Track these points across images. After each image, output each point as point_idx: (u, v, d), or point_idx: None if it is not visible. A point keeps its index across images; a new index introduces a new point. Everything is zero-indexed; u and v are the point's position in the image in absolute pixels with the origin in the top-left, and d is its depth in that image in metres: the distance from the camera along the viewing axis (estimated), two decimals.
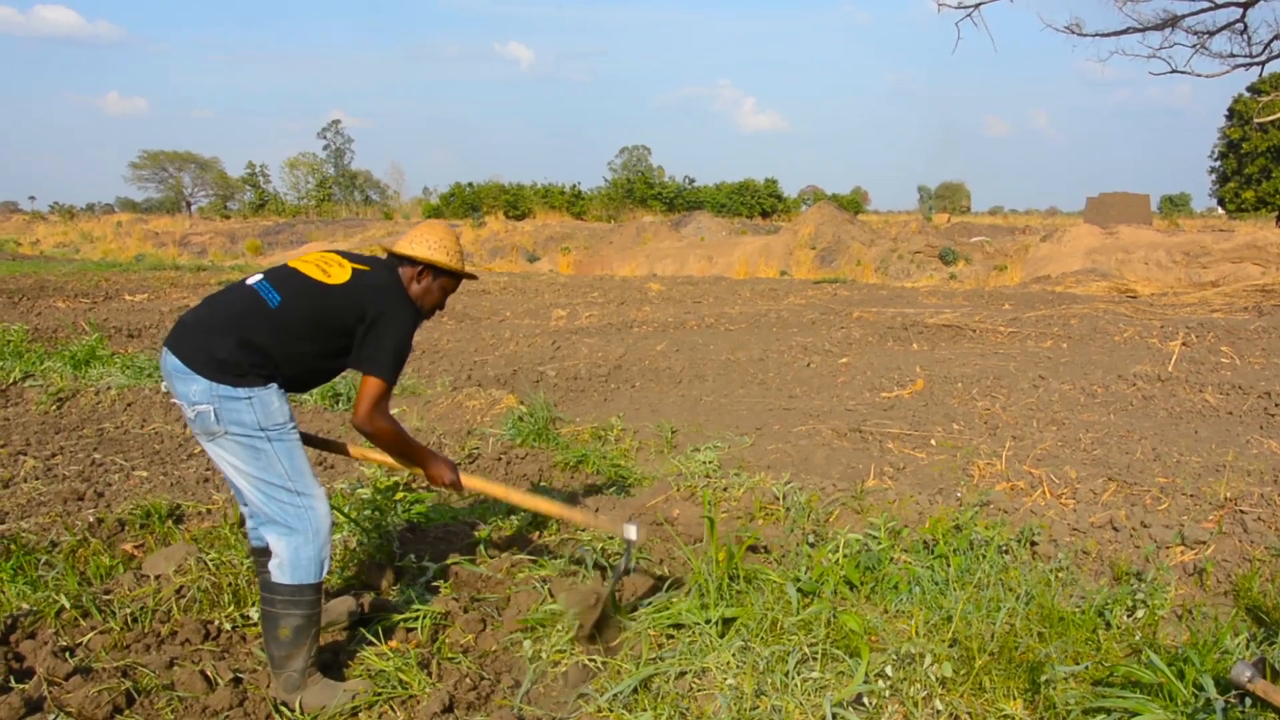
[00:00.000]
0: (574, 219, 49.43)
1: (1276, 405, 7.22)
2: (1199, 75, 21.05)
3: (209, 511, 5.16)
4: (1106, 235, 25.72)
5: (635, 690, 3.34)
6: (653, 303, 16.99)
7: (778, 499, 5.30)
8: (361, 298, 3.45)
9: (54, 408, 7.86)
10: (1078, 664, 3.35)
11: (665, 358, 10.99)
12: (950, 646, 3.48)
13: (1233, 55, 20.12)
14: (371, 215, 57.07)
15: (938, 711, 3.15)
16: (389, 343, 3.46)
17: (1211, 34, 19.89)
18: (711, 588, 3.88)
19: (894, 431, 6.84)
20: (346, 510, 4.72)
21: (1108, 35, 20.59)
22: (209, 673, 3.56)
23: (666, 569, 4.40)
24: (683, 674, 3.40)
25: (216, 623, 3.95)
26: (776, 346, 11.47)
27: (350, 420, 3.54)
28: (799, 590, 3.90)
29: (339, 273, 3.49)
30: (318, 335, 3.41)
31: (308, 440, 3.66)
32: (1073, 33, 20.80)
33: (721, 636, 3.60)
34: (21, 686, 3.35)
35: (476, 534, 4.85)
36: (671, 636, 3.70)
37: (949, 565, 4.22)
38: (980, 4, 20.24)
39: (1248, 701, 2.86)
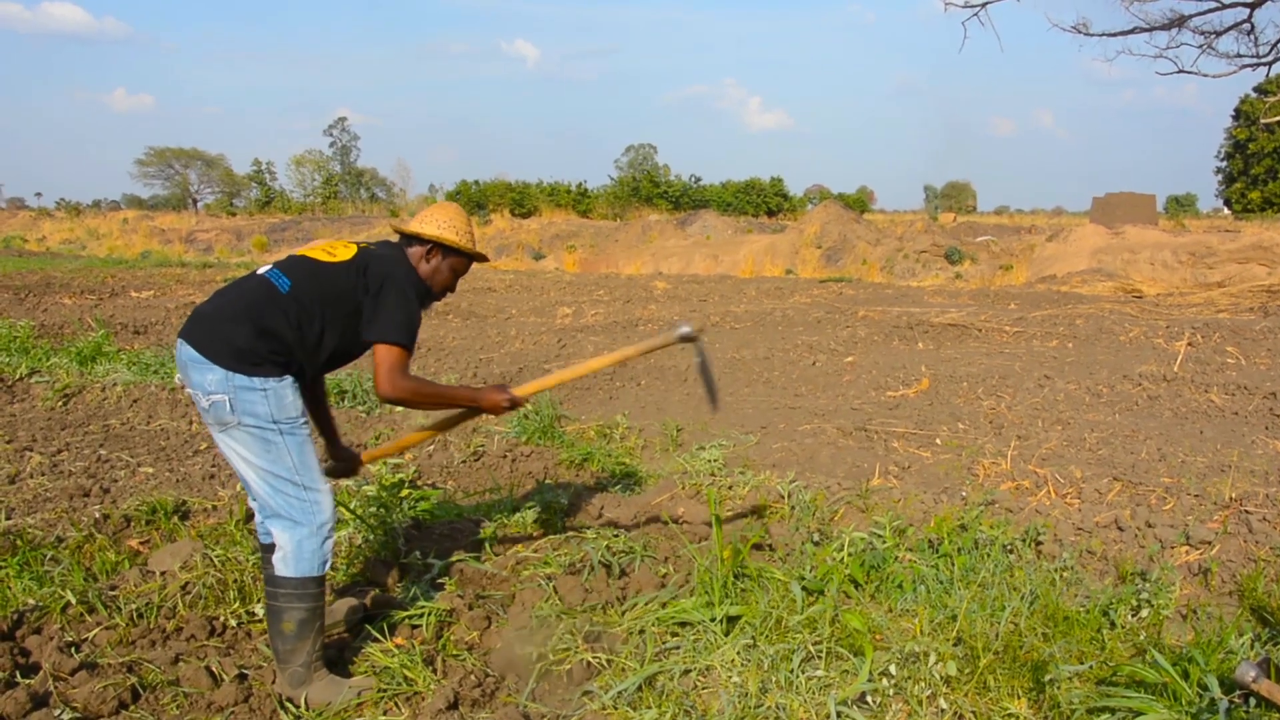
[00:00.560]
0: (580, 217, 49.43)
1: None
2: (1205, 75, 21.06)
3: (215, 508, 5.17)
4: (1112, 235, 25.65)
5: (640, 688, 3.35)
6: (658, 301, 16.98)
7: (783, 497, 5.31)
8: (365, 269, 3.48)
9: (60, 404, 7.88)
10: (1082, 663, 3.35)
11: (670, 356, 10.98)
12: (955, 645, 3.48)
13: (1239, 55, 20.10)
14: (378, 212, 57.03)
15: (942, 710, 3.15)
16: (396, 309, 3.46)
17: (1218, 34, 19.88)
18: (716, 586, 3.88)
19: (899, 430, 6.83)
20: (352, 507, 4.73)
21: (1114, 35, 20.60)
22: (214, 669, 3.57)
23: (671, 567, 4.40)
24: (687, 672, 3.40)
25: (222, 619, 3.96)
26: (782, 345, 11.46)
27: (376, 394, 3.51)
28: (804, 588, 3.90)
29: (344, 252, 3.54)
30: (329, 313, 3.42)
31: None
32: (1079, 32, 20.82)
33: (726, 634, 3.60)
34: (27, 682, 3.36)
35: (481, 532, 4.86)
36: (676, 634, 3.71)
37: (954, 564, 4.22)
38: (986, 3, 20.26)
39: (1252, 701, 2.86)
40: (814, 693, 3.19)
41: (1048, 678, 3.22)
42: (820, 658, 3.39)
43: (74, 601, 3.92)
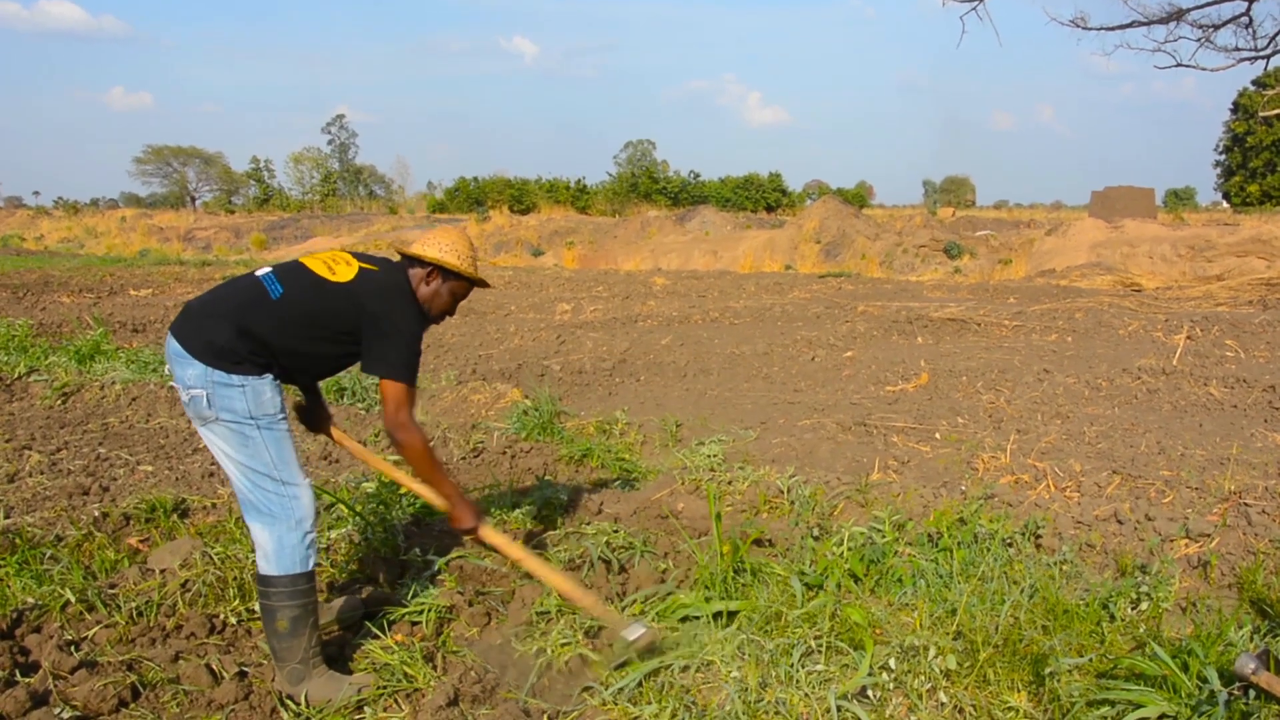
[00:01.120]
0: (579, 213, 49.39)
1: None
2: (1204, 69, 20.98)
3: (214, 506, 5.17)
4: (1111, 229, 25.66)
5: (640, 683, 3.35)
6: (657, 297, 16.98)
7: (782, 492, 5.31)
8: (363, 298, 3.47)
9: (59, 402, 7.87)
10: (1082, 656, 3.35)
11: (670, 352, 10.98)
12: (954, 639, 3.48)
13: (1238, 49, 20.06)
14: (376, 210, 57.00)
15: (942, 704, 3.15)
16: (397, 343, 3.48)
17: (1217, 27, 19.85)
18: (716, 581, 3.88)
19: (899, 425, 6.83)
20: (351, 504, 4.72)
21: (1113, 29, 20.55)
22: (214, 666, 3.57)
23: (671, 562, 4.40)
24: (687, 667, 3.40)
25: (222, 616, 3.96)
26: (781, 341, 11.47)
27: (384, 426, 3.54)
28: (804, 583, 3.91)
29: (345, 271, 3.52)
30: (314, 330, 3.43)
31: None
32: (1077, 26, 20.77)
33: (726, 629, 3.60)
34: (27, 680, 3.36)
35: None
36: (676, 629, 3.71)
37: (953, 558, 4.21)
38: None
39: (1251, 693, 2.86)
40: (814, 687, 3.19)
41: (1047, 671, 3.22)
42: (820, 652, 3.39)
43: (73, 600, 3.92)
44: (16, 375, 8.54)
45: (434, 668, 3.58)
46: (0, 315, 12.20)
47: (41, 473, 5.84)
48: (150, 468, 6.05)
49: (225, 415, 3.31)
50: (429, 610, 3.97)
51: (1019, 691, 3.23)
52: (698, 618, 3.74)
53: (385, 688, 3.45)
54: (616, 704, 3.25)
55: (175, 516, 5.01)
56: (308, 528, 3.44)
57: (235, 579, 4.13)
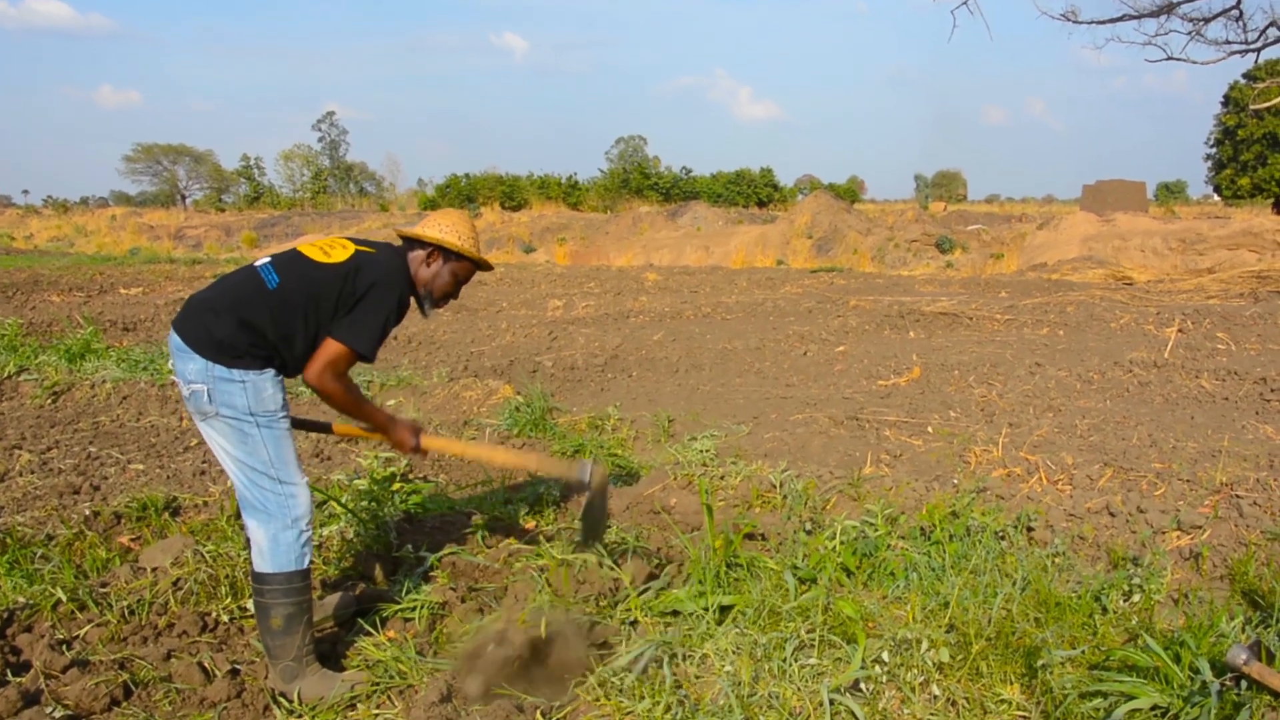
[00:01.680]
0: (570, 209, 49.34)
1: (1272, 391, 7.23)
2: (1194, 62, 20.98)
3: (205, 504, 5.16)
4: (1103, 223, 25.69)
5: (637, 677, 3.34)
6: (649, 293, 16.97)
7: (775, 487, 5.30)
8: (354, 273, 3.45)
9: (49, 401, 7.85)
10: (1074, 648, 3.36)
11: (662, 347, 10.98)
12: (947, 632, 3.48)
13: (1228, 42, 20.08)
14: (367, 207, 56.95)
15: (935, 696, 3.16)
16: (371, 316, 3.44)
17: (1207, 20, 19.85)
18: (709, 575, 3.88)
19: (891, 419, 6.84)
20: (343, 501, 4.71)
21: (1103, 22, 20.54)
22: (207, 664, 3.57)
23: (664, 557, 4.39)
24: (681, 661, 3.40)
25: (214, 614, 3.95)
26: (773, 335, 11.47)
27: (303, 378, 3.48)
28: (796, 577, 3.90)
29: (339, 253, 3.51)
30: (312, 313, 3.40)
31: (297, 424, 3.66)
32: (1068, 20, 20.76)
33: (719, 624, 3.60)
34: (19, 680, 3.35)
35: (474, 524, 4.85)
36: (669, 624, 3.70)
37: (945, 551, 4.22)
38: None
39: (1243, 684, 2.87)
40: (807, 680, 3.19)
41: (1040, 663, 3.23)
42: (813, 646, 3.39)
43: (65, 599, 3.91)
44: (6, 374, 8.51)
45: (427, 664, 3.58)
46: None
47: (32, 472, 5.83)
48: (141, 466, 6.03)
49: (225, 411, 3.31)
50: (422, 606, 3.97)
51: (1011, 684, 3.24)
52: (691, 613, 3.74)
53: (378, 684, 3.45)
54: (610, 698, 3.24)
55: (166, 515, 4.99)
56: (304, 526, 3.43)
57: (227, 577, 4.13)
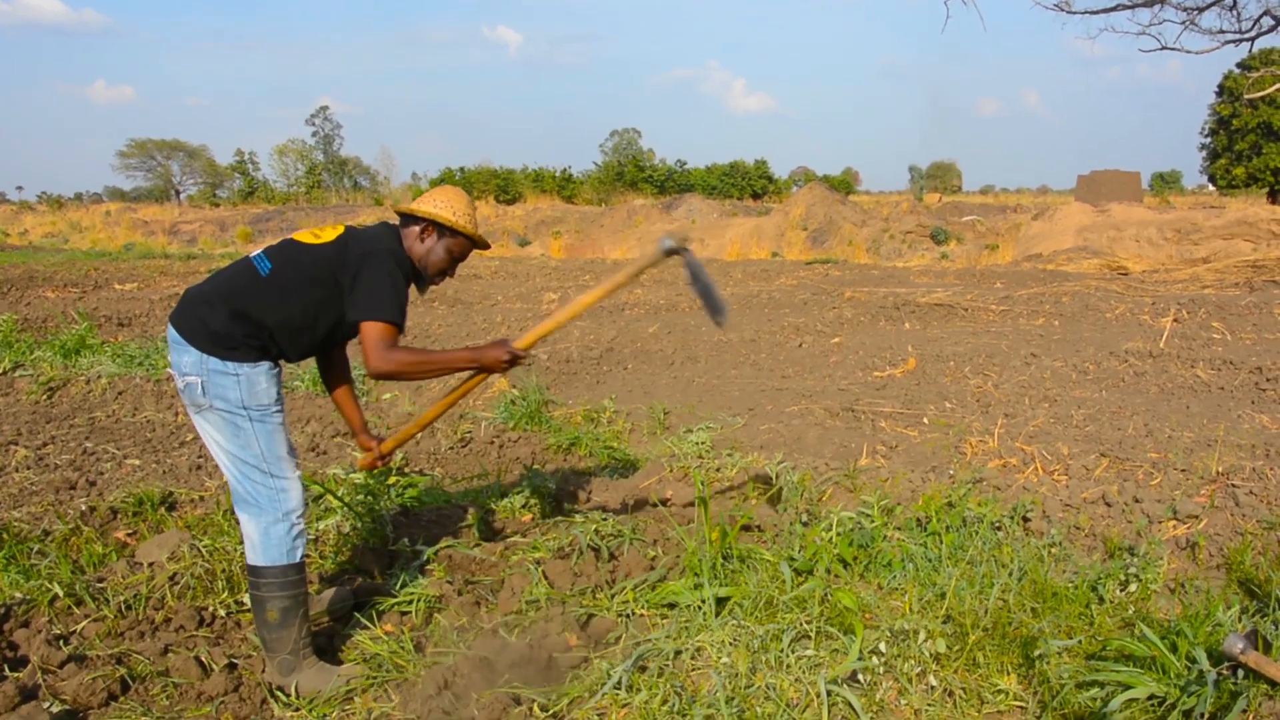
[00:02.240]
0: (565, 203, 49.30)
1: (1267, 380, 7.24)
2: (1188, 52, 21.08)
3: (201, 498, 5.15)
4: (1098, 213, 25.70)
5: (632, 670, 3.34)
6: (644, 285, 16.96)
7: (771, 478, 5.31)
8: (344, 248, 3.44)
9: (45, 397, 7.83)
10: (1071, 638, 3.37)
11: (657, 340, 10.98)
12: (944, 622, 3.48)
13: (1222, 31, 20.12)
14: (362, 201, 56.78)
15: (931, 687, 3.16)
16: (378, 283, 3.38)
17: (1201, 10, 19.89)
18: (705, 567, 3.87)
19: (886, 410, 6.85)
20: (340, 494, 4.71)
21: (1097, 12, 20.59)
22: (204, 659, 3.56)
23: (660, 549, 4.39)
24: (677, 653, 3.40)
25: (210, 609, 3.94)
26: (769, 327, 11.47)
27: (368, 373, 3.40)
28: (793, 569, 3.90)
29: (330, 234, 3.52)
30: (310, 295, 3.39)
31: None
32: (1062, 10, 20.80)
33: (716, 615, 3.60)
34: (16, 675, 3.35)
35: (470, 517, 4.85)
36: (666, 616, 3.71)
37: (942, 542, 4.22)
38: None
39: (1240, 673, 2.88)
40: (804, 671, 3.19)
41: (1036, 653, 3.23)
42: (810, 637, 3.39)
43: (61, 594, 3.90)
44: (2, 370, 8.50)
45: (424, 657, 3.57)
46: None
47: (28, 468, 5.82)
48: (137, 461, 6.02)
49: (219, 404, 3.30)
50: (418, 600, 3.96)
51: (1008, 674, 3.24)
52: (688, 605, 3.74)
53: (375, 678, 3.44)
54: (606, 691, 3.24)
55: (163, 510, 4.98)
56: (295, 520, 3.43)
57: (224, 571, 4.12)
